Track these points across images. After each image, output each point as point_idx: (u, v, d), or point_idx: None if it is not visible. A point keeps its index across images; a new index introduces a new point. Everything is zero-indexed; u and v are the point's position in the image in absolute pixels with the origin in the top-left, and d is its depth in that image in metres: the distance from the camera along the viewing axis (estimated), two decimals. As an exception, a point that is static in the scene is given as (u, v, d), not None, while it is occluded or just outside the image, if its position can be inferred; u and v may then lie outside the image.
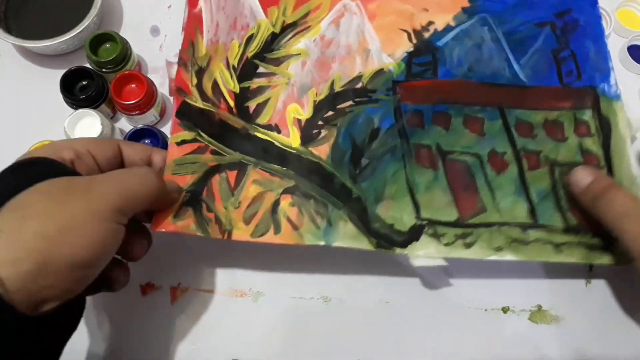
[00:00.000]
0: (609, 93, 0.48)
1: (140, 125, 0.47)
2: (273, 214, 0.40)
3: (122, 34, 0.51)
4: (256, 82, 0.44)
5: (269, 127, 0.43)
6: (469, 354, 0.44)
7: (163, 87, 0.51)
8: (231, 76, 0.44)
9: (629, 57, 0.54)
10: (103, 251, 0.31)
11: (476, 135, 0.45)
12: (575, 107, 0.48)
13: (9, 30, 0.49)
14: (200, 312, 0.44)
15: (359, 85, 0.46)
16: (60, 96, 0.47)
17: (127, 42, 0.50)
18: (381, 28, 0.49)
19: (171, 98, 0.46)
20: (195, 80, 0.43)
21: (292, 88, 0.44)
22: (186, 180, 0.40)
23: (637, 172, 0.46)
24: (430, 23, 0.50)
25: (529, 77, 0.48)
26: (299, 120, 0.43)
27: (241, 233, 0.39)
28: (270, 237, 0.39)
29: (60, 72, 0.47)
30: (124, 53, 0.49)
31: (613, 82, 0.49)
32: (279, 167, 0.41)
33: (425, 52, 0.48)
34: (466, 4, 0.51)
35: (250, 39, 0.46)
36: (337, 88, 0.45)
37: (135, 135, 0.47)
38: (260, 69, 0.45)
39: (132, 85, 0.48)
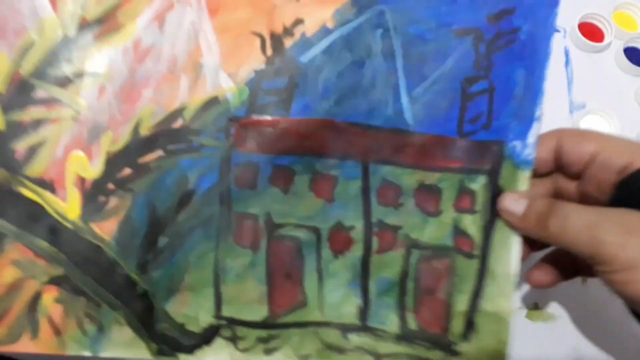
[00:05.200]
0: (519, 156, 0.36)
1: None
2: (31, 312, 0.33)
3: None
4: (30, 113, 0.33)
5: (41, 182, 0.33)
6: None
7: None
8: (-6, 107, 0.33)
9: (626, 59, 0.54)
10: None
11: (323, 201, 0.36)
12: (465, 169, 0.36)
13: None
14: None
15: (179, 123, 0.34)
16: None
17: None
18: (226, 29, 0.35)
19: None
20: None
21: (81, 127, 0.34)
22: None
23: (516, 271, 0.37)
24: (298, 22, 0.35)
25: (417, 118, 0.36)
26: (83, 180, 0.34)
27: (-11, 341, 0.33)
28: (24, 344, 0.33)
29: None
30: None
31: (531, 139, 0.36)
32: (47, 245, 0.33)
33: (281, 72, 0.35)
34: (360, -10, 0.36)
35: (27, 49, 0.33)
36: (145, 131, 0.34)
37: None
38: (39, 92, 0.33)
39: None
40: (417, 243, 0.37)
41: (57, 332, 0.33)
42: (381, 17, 0.36)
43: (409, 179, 0.36)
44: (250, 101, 0.35)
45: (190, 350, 0.35)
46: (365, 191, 0.36)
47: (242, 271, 0.35)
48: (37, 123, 0.33)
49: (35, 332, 0.33)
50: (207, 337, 0.35)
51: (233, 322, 0.35)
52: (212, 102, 0.35)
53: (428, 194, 0.37)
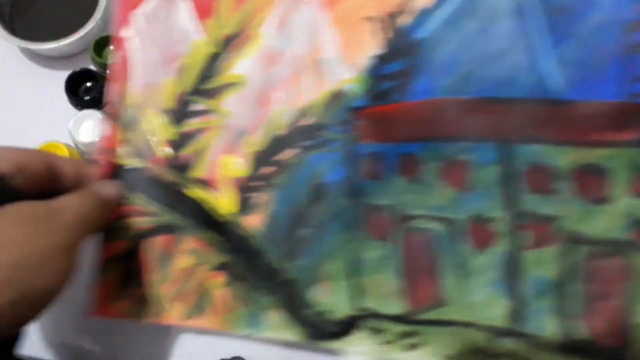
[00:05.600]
0: None
1: None
2: (204, 294, 0.38)
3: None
4: (191, 124, 0.38)
5: (203, 182, 0.38)
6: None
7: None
8: (165, 122, 0.38)
9: None
10: (69, 280, 0.33)
11: (455, 190, 0.32)
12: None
13: (14, 32, 0.50)
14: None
15: (308, 120, 0.35)
16: (65, 97, 0.48)
17: None
18: (341, 20, 0.34)
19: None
20: (124, 135, 0.39)
21: (228, 132, 0.37)
22: (119, 247, 0.39)
23: None
24: (411, -3, 0.32)
25: (566, 82, 0.29)
26: (234, 179, 0.37)
27: (172, 315, 0.38)
28: (197, 321, 0.38)
29: (64, 74, 0.47)
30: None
31: None
32: (213, 235, 0.38)
33: (398, 54, 0.32)
34: (478, -56, 0.30)
35: (185, 70, 0.38)
36: (280, 131, 0.36)
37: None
38: (196, 106, 0.38)
39: None
40: (580, 237, 0.30)
41: (224, 311, 0.38)
42: (508, -31, 0.30)
43: (563, 159, 0.30)
44: (371, 89, 0.34)
45: (332, 338, 0.36)
46: (507, 177, 0.31)
47: (377, 263, 0.34)
48: (197, 132, 0.38)
49: (208, 311, 0.39)
50: (347, 327, 0.35)
51: (371, 314, 0.35)
52: (336, 95, 0.35)
53: (590, 176, 0.29)
